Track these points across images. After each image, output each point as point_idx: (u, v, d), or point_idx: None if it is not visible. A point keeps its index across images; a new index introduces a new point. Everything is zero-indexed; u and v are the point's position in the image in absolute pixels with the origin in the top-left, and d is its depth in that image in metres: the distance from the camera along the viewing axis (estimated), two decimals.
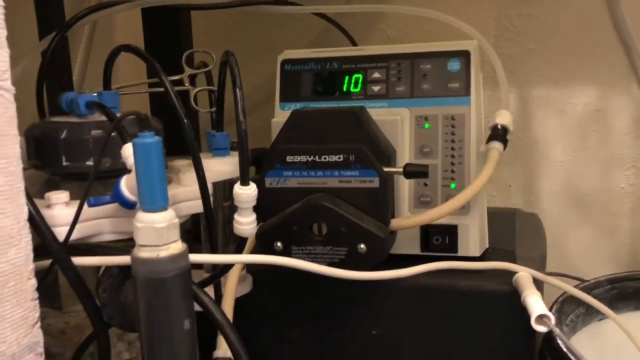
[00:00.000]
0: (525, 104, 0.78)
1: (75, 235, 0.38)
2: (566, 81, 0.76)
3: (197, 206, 0.44)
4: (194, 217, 0.51)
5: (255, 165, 0.59)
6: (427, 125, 0.54)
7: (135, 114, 0.37)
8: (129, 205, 0.39)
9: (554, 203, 0.79)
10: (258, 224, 0.44)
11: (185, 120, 0.40)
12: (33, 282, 0.33)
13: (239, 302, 0.48)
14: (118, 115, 0.43)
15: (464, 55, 0.54)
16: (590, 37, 0.75)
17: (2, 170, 0.31)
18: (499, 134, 0.53)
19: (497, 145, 0.52)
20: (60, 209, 0.39)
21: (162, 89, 0.42)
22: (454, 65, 0.54)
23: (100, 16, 0.58)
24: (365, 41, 0.78)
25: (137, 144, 0.32)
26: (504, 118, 0.54)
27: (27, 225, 0.33)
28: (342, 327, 0.53)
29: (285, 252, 0.48)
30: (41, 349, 0.34)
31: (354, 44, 0.74)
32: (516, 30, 0.77)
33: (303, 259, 0.48)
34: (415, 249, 0.54)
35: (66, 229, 0.38)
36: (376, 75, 0.56)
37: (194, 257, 0.36)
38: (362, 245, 0.47)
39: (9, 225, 0.32)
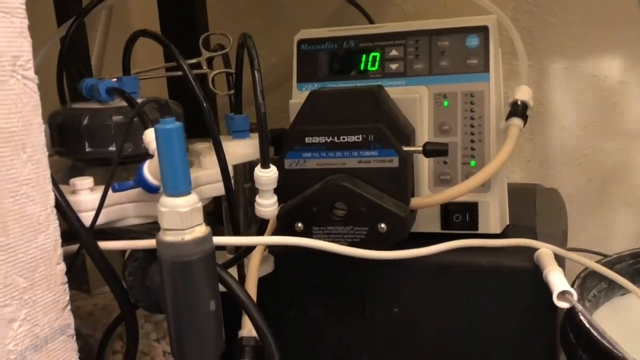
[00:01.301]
0: (545, 78, 0.77)
1: (100, 220, 0.39)
2: (587, 53, 0.75)
3: (218, 189, 0.44)
4: (216, 199, 0.51)
5: (274, 145, 0.60)
6: (446, 103, 0.54)
7: (155, 100, 0.38)
8: (152, 190, 0.39)
9: (575, 178, 0.78)
10: (279, 205, 0.44)
11: (204, 104, 0.40)
12: (62, 266, 0.34)
13: (262, 282, 0.49)
14: (138, 100, 0.43)
15: (483, 31, 0.53)
16: (611, 7, 0.73)
17: (28, 159, 0.32)
18: (518, 110, 0.52)
19: (517, 121, 0.52)
20: (85, 195, 0.40)
21: (180, 73, 0.42)
22: (473, 41, 0.53)
23: (116, 1, 0.58)
24: (381, 17, 0.77)
25: (159, 130, 0.33)
26: (523, 94, 0.53)
27: (54, 211, 0.34)
28: (363, 306, 0.54)
29: (306, 233, 0.49)
30: (72, 331, 0.35)
31: (370, 20, 0.73)
32: (535, 3, 0.76)
33: (324, 239, 0.48)
34: (435, 227, 0.54)
35: (92, 214, 0.39)
36: (394, 53, 0.55)
37: (218, 240, 0.36)
38: (383, 225, 0.47)
39: (37, 212, 0.33)
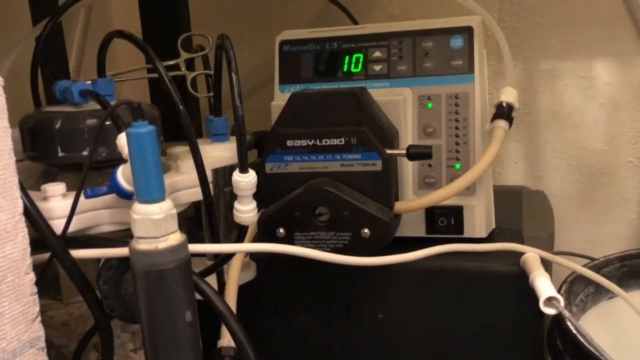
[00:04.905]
0: (531, 79, 0.76)
1: (73, 227, 0.38)
2: (573, 54, 0.75)
3: (197, 194, 0.43)
4: (196, 204, 0.50)
5: (257, 149, 0.59)
6: (430, 105, 0.53)
7: (127, 102, 0.36)
8: (126, 196, 0.38)
9: (562, 179, 0.78)
10: (259, 210, 0.43)
11: (181, 107, 0.39)
12: (31, 276, 0.33)
13: (244, 289, 0.47)
14: (113, 103, 0.42)
15: (467, 32, 0.52)
16: (596, 8, 0.73)
17: None
18: (504, 112, 0.51)
19: (502, 123, 0.51)
20: (57, 201, 0.38)
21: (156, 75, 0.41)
22: (457, 42, 0.52)
23: (94, 0, 0.57)
24: (367, 19, 0.76)
25: (130, 134, 0.31)
26: (508, 95, 0.52)
27: (23, 219, 0.33)
28: (348, 311, 0.53)
29: (288, 239, 0.48)
30: (42, 344, 0.34)
31: (355, 22, 0.73)
32: (521, 3, 0.75)
33: (306, 245, 0.47)
34: (420, 232, 0.53)
35: (64, 221, 0.37)
36: (377, 54, 0.54)
37: (194, 248, 0.35)
38: (366, 230, 0.46)
39: (4, 220, 0.31)
